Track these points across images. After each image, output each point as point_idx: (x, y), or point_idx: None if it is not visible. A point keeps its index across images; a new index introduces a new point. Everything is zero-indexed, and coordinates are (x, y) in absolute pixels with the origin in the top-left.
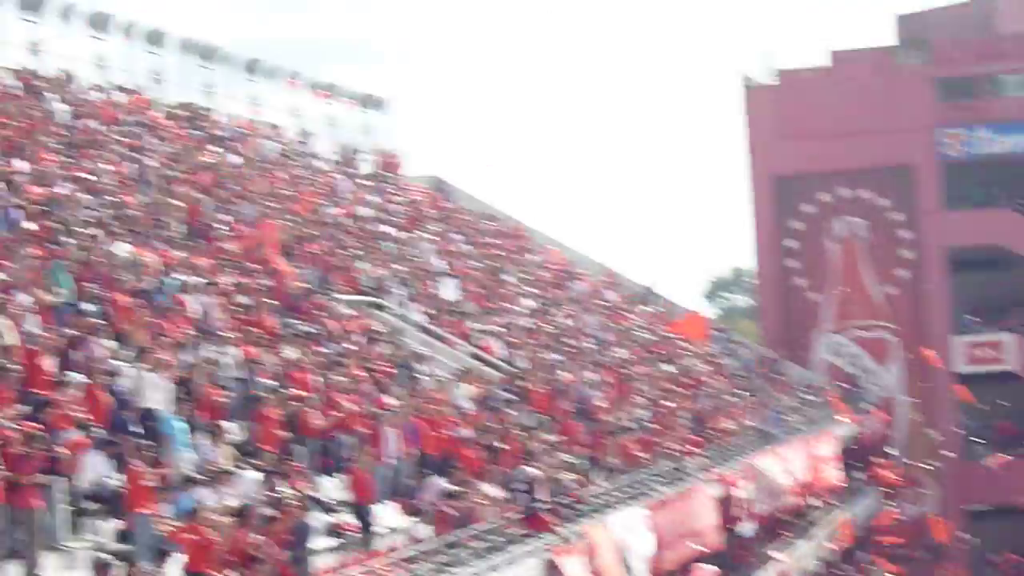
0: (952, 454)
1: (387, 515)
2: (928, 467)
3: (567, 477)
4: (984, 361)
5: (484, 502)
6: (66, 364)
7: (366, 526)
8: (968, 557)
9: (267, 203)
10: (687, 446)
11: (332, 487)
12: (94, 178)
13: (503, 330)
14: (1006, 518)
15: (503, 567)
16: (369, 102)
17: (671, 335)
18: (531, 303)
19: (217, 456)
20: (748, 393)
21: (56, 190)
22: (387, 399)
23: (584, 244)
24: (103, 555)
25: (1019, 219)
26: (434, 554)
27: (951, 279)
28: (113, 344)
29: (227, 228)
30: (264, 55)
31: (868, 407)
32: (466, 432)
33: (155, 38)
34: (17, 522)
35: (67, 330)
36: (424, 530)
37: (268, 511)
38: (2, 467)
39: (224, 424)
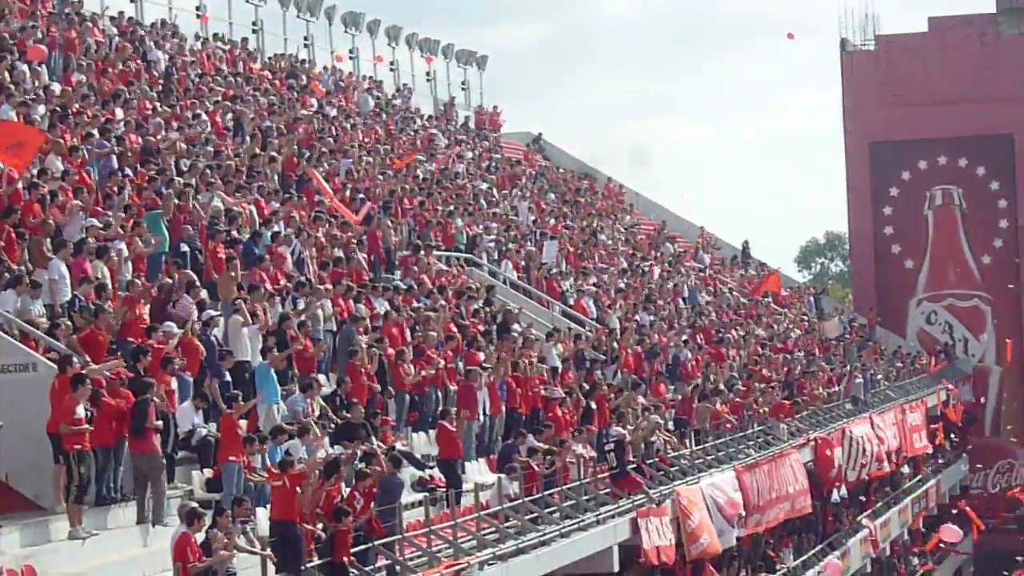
0: None
1: (476, 471)
2: (1018, 437)
3: (657, 438)
4: None
5: (573, 461)
6: (161, 313)
7: (455, 482)
8: None
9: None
10: (778, 410)
11: (422, 442)
12: (192, 128)
13: (596, 289)
14: None
15: (591, 526)
16: (469, 58)
17: (759, 299)
18: (624, 263)
19: (308, 408)
20: (840, 359)
21: (153, 139)
22: (479, 356)
23: (679, 205)
24: (191, 503)
25: None
26: (522, 511)
27: None
28: (207, 294)
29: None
30: (364, 8)
31: (960, 376)
32: (557, 391)
33: None
34: (136, 468)
35: (162, 279)
36: (513, 487)
37: (357, 464)
38: (89, 411)
39: (316, 376)
